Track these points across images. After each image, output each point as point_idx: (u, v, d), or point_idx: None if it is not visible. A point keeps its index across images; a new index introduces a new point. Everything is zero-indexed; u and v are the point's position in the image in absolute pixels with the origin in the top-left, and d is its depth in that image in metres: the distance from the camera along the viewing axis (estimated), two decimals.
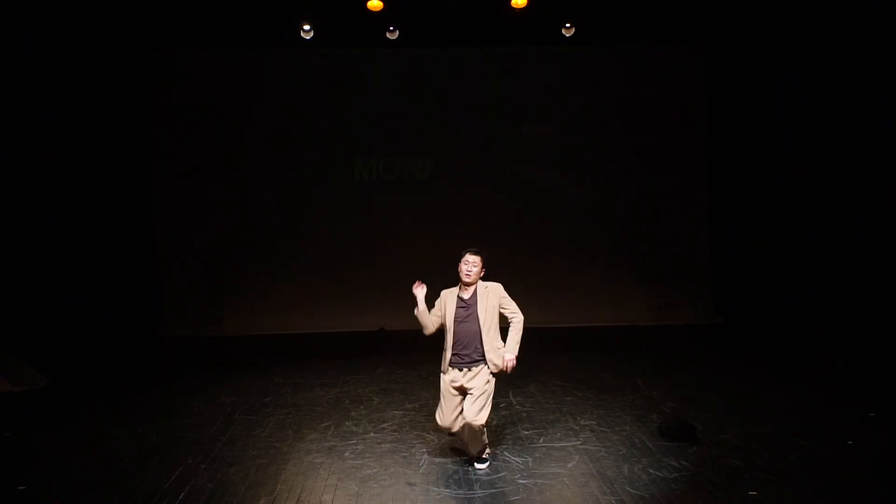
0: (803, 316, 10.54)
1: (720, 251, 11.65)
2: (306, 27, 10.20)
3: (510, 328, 5.58)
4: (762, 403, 7.05)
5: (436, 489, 5.25)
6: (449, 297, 5.61)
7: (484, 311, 5.50)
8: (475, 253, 5.58)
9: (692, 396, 7.36)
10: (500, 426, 6.57)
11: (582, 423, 6.63)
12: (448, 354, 5.56)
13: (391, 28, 10.41)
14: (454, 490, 5.22)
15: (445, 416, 5.59)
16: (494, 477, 5.42)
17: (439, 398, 5.67)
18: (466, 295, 5.57)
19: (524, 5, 9.65)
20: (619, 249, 11.73)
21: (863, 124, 9.97)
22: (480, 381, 5.47)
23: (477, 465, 5.63)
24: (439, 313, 5.60)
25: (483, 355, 5.48)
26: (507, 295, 5.61)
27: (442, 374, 5.63)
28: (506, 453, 5.90)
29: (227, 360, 9.81)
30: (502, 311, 5.58)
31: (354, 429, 6.61)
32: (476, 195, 11.69)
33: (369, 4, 9.60)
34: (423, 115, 11.64)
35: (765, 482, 5.17)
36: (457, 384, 5.53)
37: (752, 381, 7.92)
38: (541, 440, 6.20)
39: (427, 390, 7.62)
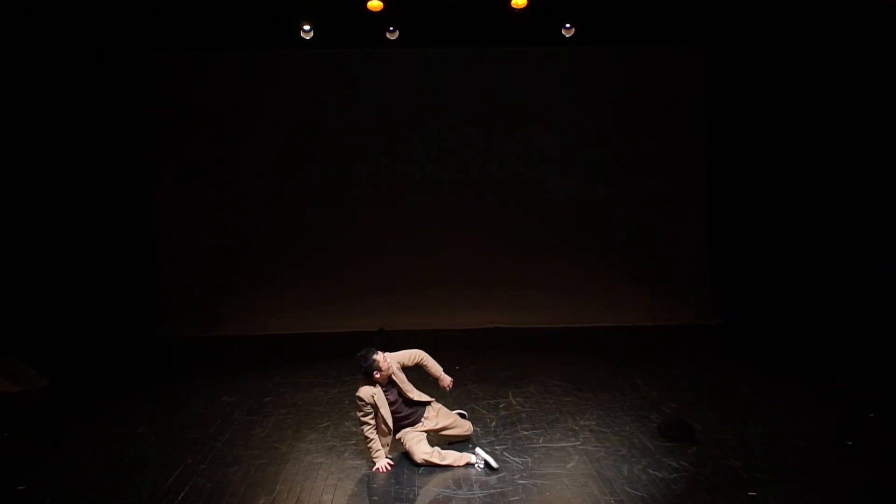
0: (802, 317, 10.55)
1: (719, 252, 11.64)
2: (306, 27, 10.21)
3: (427, 364, 6.10)
4: (761, 404, 7.05)
5: (435, 489, 5.25)
6: (377, 399, 5.70)
7: (403, 382, 5.92)
8: (376, 351, 5.75)
9: (692, 397, 7.36)
10: (500, 426, 6.57)
11: (581, 423, 6.63)
12: (393, 429, 5.80)
13: (391, 28, 10.41)
14: (454, 490, 5.22)
15: (439, 451, 5.71)
16: (494, 477, 5.42)
17: (426, 458, 5.68)
18: (385, 384, 5.84)
19: (524, 5, 9.65)
20: (618, 250, 11.72)
21: (863, 125, 9.98)
22: (444, 408, 6.12)
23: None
24: (373, 419, 5.70)
25: (419, 403, 5.99)
26: (397, 355, 5.98)
27: (399, 440, 5.84)
28: (505, 454, 5.90)
29: (226, 360, 9.80)
30: (405, 364, 6.00)
31: (354, 429, 6.59)
32: (475, 195, 11.69)
33: (369, 4, 9.61)
34: (423, 115, 11.63)
35: (764, 482, 5.17)
36: (426, 428, 5.91)
37: (751, 382, 7.92)
38: (540, 440, 6.20)
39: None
